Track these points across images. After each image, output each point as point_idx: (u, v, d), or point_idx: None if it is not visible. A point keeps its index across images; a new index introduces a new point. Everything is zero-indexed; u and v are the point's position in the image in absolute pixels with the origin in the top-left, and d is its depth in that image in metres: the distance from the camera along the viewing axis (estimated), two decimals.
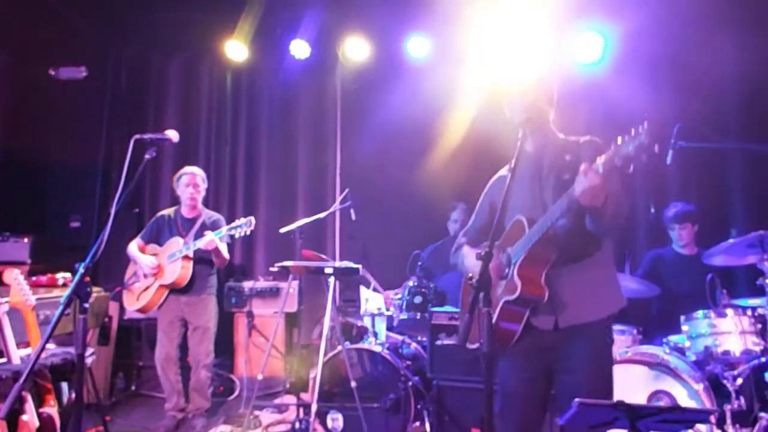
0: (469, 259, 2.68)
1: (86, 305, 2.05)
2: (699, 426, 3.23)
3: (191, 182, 4.54)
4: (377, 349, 4.02)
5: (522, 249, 2.30)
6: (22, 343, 2.91)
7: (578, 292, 2.34)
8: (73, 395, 3.07)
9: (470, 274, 2.42)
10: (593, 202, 2.07)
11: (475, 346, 1.97)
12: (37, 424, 2.70)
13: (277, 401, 5.14)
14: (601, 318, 2.38)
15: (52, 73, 6.14)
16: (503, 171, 2.70)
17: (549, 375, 2.43)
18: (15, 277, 2.93)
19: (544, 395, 2.46)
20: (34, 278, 4.41)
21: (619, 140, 1.95)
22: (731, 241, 3.62)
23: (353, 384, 3.74)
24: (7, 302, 2.81)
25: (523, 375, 2.43)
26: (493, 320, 2.29)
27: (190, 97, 6.58)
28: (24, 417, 2.65)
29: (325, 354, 3.84)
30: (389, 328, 4.44)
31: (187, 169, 4.62)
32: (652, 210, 4.96)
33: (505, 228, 2.46)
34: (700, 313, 3.51)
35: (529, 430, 2.47)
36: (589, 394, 2.06)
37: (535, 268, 2.29)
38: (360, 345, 4.12)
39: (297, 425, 3.98)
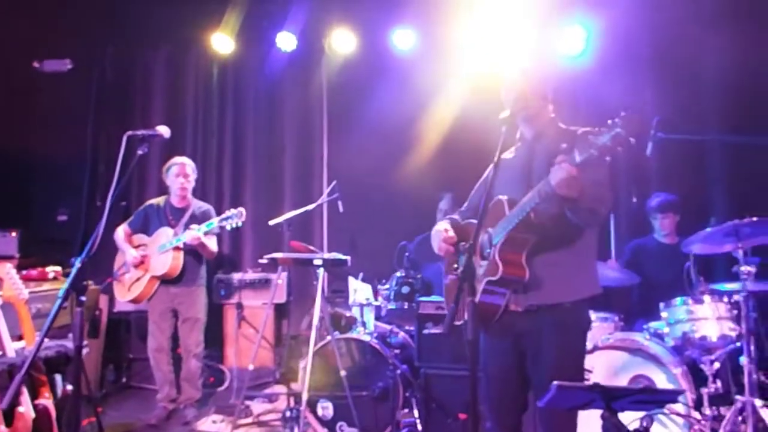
0: (437, 226, 2.69)
1: (83, 298, 2.09)
2: (678, 408, 3.34)
3: (181, 172, 4.55)
4: (366, 338, 4.09)
5: (503, 230, 2.32)
6: (14, 337, 2.94)
7: (550, 275, 2.37)
8: (67, 387, 3.12)
9: (456, 265, 2.49)
10: (569, 192, 2.10)
11: (461, 322, 2.02)
12: (33, 415, 2.74)
13: (267, 391, 5.20)
14: (569, 300, 2.40)
15: (37, 65, 6.13)
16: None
17: (525, 357, 2.47)
18: (8, 271, 2.95)
19: (523, 378, 2.49)
20: (24, 272, 4.42)
21: (596, 131, 1.99)
22: (709, 230, 3.72)
23: (343, 373, 3.82)
24: (0, 296, 2.84)
25: (501, 358, 2.49)
26: (477, 299, 2.33)
27: (177, 90, 6.57)
28: (20, 408, 2.69)
29: (315, 344, 3.90)
30: (377, 318, 4.52)
31: (177, 159, 4.63)
32: (635, 200, 5.04)
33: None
34: (678, 299, 3.60)
35: (509, 412, 2.51)
36: (555, 374, 2.08)
37: (516, 250, 2.33)
38: (349, 335, 4.19)
39: (288, 414, 4.04)
